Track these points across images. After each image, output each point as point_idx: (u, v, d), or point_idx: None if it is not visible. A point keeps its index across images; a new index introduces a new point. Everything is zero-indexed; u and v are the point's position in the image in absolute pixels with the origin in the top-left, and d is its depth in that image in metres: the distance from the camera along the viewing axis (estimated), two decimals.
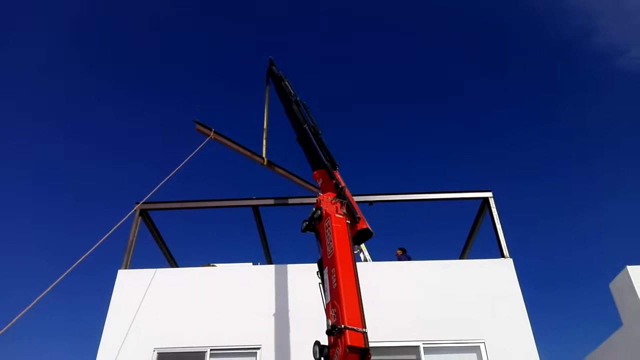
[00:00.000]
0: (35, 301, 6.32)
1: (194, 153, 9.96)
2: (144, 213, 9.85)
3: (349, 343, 4.90)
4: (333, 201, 6.76)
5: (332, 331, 5.24)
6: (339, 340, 5.07)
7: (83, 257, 7.13)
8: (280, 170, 11.01)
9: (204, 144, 10.28)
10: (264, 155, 10.76)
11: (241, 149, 10.75)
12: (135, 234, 9.49)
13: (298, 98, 9.86)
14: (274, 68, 11.21)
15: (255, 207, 10.25)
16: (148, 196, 9.11)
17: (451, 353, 7.94)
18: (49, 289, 6.55)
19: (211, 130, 10.46)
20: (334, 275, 5.68)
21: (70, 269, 6.90)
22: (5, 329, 6.04)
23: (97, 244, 7.49)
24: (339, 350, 5.00)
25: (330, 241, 6.08)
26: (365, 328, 5.14)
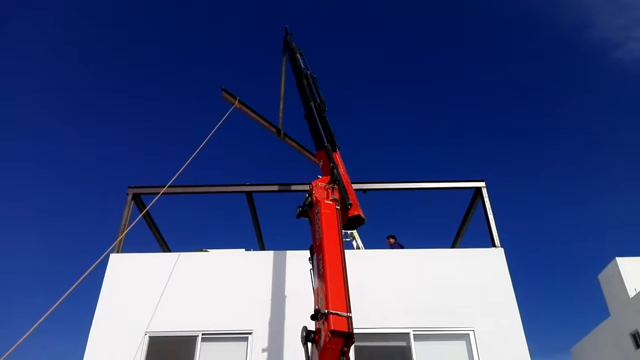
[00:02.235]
0: (34, 327, 6.14)
1: (220, 123, 9.87)
2: (136, 197, 9.81)
3: (332, 328, 4.92)
4: (326, 187, 6.74)
5: (317, 316, 5.27)
6: (323, 325, 5.10)
7: (90, 269, 6.90)
8: (293, 143, 10.98)
9: (229, 113, 10.23)
10: (280, 126, 10.75)
11: (261, 120, 10.75)
12: (128, 218, 9.46)
13: (309, 72, 9.78)
14: (288, 38, 11.10)
15: (248, 193, 10.23)
16: (177, 175, 8.80)
17: (441, 340, 8.02)
18: (48, 312, 6.30)
19: (236, 99, 10.44)
20: (321, 261, 5.71)
21: (76, 284, 6.62)
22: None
23: (105, 253, 7.31)
24: (323, 335, 5.04)
25: (319, 227, 6.10)
26: (350, 313, 5.14)
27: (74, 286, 6.53)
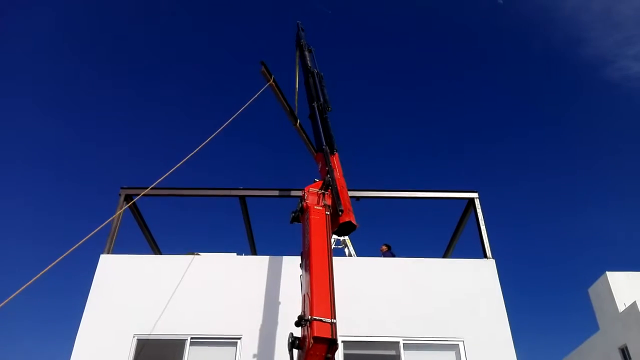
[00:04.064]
0: (15, 293, 6.04)
1: (254, 98, 9.85)
2: (129, 198, 9.75)
3: (315, 334, 4.89)
4: (318, 192, 6.71)
5: (300, 322, 5.24)
6: (307, 331, 5.08)
7: (65, 253, 6.81)
8: (305, 138, 11.02)
9: (263, 89, 10.27)
10: (296, 116, 10.80)
11: (286, 105, 10.81)
12: (119, 219, 9.40)
13: (316, 70, 9.77)
14: (300, 34, 11.17)
15: (242, 198, 10.21)
16: (185, 159, 8.25)
17: (430, 350, 8.00)
18: (32, 280, 6.23)
19: (272, 76, 10.46)
20: (308, 267, 5.70)
21: (61, 257, 6.59)
22: None
23: (85, 238, 7.19)
24: (307, 341, 5.01)
25: (308, 233, 6.09)
26: (334, 319, 5.10)
27: (45, 269, 6.34)
